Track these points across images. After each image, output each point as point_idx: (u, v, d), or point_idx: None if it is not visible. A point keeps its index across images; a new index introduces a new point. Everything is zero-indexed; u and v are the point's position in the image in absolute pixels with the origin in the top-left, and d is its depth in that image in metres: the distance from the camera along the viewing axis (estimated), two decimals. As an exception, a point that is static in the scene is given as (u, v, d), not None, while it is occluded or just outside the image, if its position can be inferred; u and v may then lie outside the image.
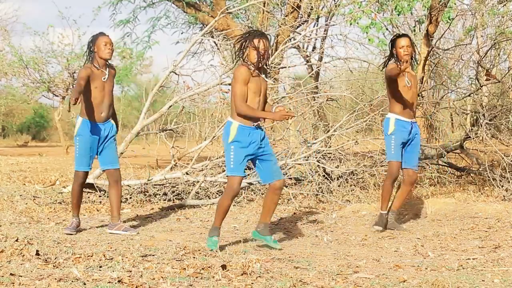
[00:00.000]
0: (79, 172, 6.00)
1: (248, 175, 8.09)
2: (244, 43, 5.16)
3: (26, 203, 7.51)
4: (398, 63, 5.95)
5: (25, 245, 4.82)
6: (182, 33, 15.61)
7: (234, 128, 5.14)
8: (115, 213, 6.03)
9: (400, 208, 6.38)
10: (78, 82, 5.81)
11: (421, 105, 9.08)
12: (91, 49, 5.98)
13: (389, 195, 6.13)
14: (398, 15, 9.54)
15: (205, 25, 12.66)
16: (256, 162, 5.29)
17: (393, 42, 6.07)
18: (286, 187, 8.05)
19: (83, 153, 5.95)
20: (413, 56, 6.10)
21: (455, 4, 10.25)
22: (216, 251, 4.94)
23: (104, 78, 5.95)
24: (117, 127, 6.22)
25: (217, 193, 7.99)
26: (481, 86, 9.19)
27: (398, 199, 6.22)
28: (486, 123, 8.36)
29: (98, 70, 5.95)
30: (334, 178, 8.23)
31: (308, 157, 8.18)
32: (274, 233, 5.68)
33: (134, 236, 5.74)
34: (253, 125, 5.17)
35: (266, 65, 5.22)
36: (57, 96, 18.12)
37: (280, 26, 11.59)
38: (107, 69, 6.00)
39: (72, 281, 3.76)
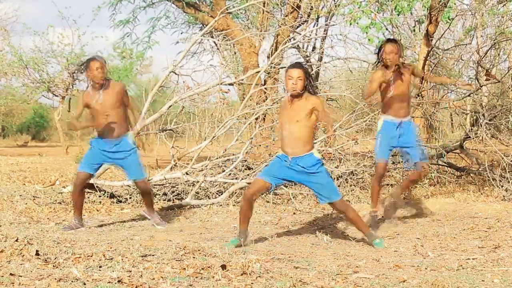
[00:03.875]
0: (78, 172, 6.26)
1: (248, 175, 8.08)
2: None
3: (26, 203, 7.51)
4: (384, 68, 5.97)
5: (25, 245, 4.82)
6: (182, 33, 15.63)
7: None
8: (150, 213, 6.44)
9: (400, 195, 6.41)
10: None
11: (420, 105, 9.09)
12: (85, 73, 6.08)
13: (376, 194, 6.23)
14: (398, 15, 9.54)
15: (205, 25, 12.65)
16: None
17: (380, 47, 6.03)
18: (286, 187, 8.05)
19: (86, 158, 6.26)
20: (399, 61, 5.94)
21: (455, 4, 10.25)
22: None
23: (97, 100, 6.03)
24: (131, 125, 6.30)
25: (217, 193, 7.98)
26: (481, 86, 9.18)
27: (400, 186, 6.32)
28: (486, 123, 8.35)
29: (93, 92, 6.07)
30: (334, 178, 8.23)
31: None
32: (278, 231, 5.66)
33: (134, 235, 5.75)
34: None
35: (304, 91, 5.07)
36: (57, 96, 18.09)
37: (280, 26, 11.58)
38: (102, 89, 6.04)
39: (72, 281, 3.76)
